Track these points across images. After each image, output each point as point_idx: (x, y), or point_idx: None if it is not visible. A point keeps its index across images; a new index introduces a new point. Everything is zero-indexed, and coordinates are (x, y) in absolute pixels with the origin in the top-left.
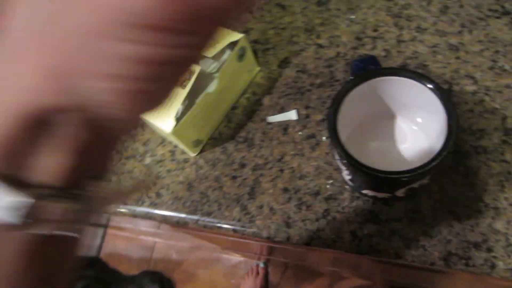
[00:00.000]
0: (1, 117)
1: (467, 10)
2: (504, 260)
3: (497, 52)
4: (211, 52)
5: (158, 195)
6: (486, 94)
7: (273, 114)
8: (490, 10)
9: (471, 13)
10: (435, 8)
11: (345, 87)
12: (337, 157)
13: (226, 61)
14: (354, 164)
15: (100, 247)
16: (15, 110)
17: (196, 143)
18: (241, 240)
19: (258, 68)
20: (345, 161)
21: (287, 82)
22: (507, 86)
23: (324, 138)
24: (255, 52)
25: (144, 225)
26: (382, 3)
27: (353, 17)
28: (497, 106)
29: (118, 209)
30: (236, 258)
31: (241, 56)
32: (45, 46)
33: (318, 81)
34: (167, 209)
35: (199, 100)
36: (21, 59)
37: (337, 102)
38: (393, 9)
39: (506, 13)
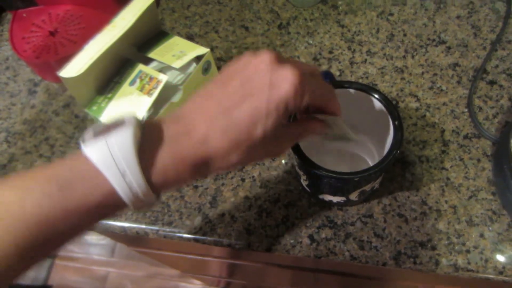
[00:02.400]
0: (180, 164)
1: (409, 38)
2: (446, 257)
3: (435, 74)
4: (178, 64)
5: None
6: (427, 110)
7: None
8: (428, 39)
9: (413, 41)
10: (383, 36)
11: None
12: (295, 163)
13: (191, 73)
14: (311, 167)
15: (46, 280)
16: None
17: None
18: (199, 258)
19: None
20: (303, 166)
21: None
22: (444, 104)
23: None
24: (218, 69)
25: (96, 253)
26: (337, 29)
27: (311, 41)
28: (436, 120)
29: None
30: (194, 286)
31: (206, 70)
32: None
33: None
34: (126, 220)
35: (163, 109)
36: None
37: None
38: (346, 35)
39: (442, 42)
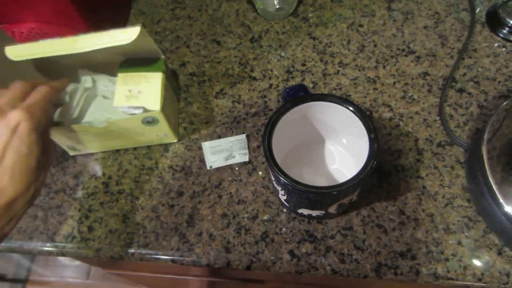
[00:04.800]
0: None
1: (380, 49)
2: (426, 266)
3: (406, 84)
4: (118, 102)
5: (90, 229)
6: (401, 119)
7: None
8: (398, 49)
9: (384, 52)
10: (354, 47)
11: (278, 111)
12: (273, 178)
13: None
14: (289, 182)
15: None
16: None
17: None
18: (178, 277)
19: (175, 140)
20: (281, 181)
21: (223, 111)
22: (417, 113)
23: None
24: (190, 85)
25: (71, 276)
26: (309, 41)
27: (283, 53)
28: (410, 129)
29: (43, 247)
30: None
31: (148, 123)
32: None
33: (253, 110)
34: (100, 243)
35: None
36: None
37: (271, 125)
38: (318, 47)
39: (411, 52)
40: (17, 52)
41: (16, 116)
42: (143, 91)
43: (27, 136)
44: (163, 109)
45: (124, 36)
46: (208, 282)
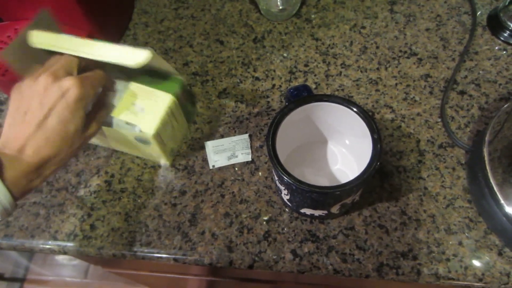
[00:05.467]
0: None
1: (382, 50)
2: (427, 266)
3: (408, 86)
4: (121, 115)
5: (93, 227)
6: (402, 121)
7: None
8: (400, 51)
9: (386, 53)
10: (356, 48)
11: (282, 112)
12: (276, 178)
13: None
14: (293, 182)
15: None
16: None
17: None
18: (177, 276)
19: (167, 163)
20: (285, 180)
21: (226, 111)
22: (418, 114)
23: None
24: (193, 85)
25: (69, 275)
26: (311, 42)
27: (286, 54)
28: (411, 131)
29: (45, 245)
30: None
31: (141, 141)
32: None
33: (255, 110)
34: (102, 242)
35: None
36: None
37: (275, 125)
38: (321, 48)
39: (413, 54)
40: (39, 39)
41: (69, 82)
42: (145, 109)
43: (73, 103)
44: (159, 134)
45: (133, 57)
46: (207, 281)
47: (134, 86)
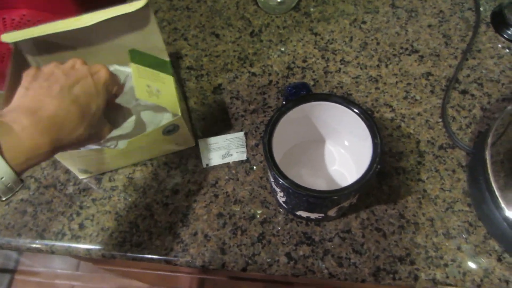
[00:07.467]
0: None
1: (383, 47)
2: (425, 271)
3: (409, 84)
4: (145, 96)
5: (81, 226)
6: (402, 120)
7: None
8: (401, 48)
9: (386, 50)
10: (356, 44)
11: (279, 111)
12: (271, 179)
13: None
14: (289, 185)
15: None
16: None
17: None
18: (170, 274)
19: (193, 145)
20: (280, 183)
21: (221, 108)
22: (419, 114)
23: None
24: (188, 79)
25: (60, 267)
26: (310, 37)
27: (283, 49)
28: (411, 131)
29: (32, 244)
30: None
31: (169, 132)
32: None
33: (251, 107)
34: (91, 242)
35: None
36: None
37: (272, 125)
38: (319, 43)
39: (414, 51)
40: (14, 35)
41: (99, 65)
42: (161, 91)
43: (100, 83)
44: (182, 114)
45: (129, 7)
46: (198, 278)
47: (136, 67)
